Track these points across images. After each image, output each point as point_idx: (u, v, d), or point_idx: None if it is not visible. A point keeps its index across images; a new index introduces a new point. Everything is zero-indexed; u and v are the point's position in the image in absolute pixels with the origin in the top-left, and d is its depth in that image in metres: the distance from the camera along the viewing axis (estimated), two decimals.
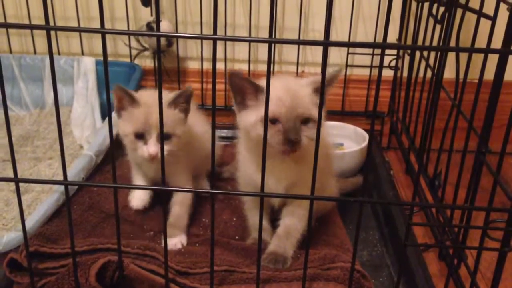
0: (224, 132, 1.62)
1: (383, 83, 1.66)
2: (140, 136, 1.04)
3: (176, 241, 1.07)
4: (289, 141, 0.88)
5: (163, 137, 0.78)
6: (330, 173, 1.12)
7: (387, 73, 1.60)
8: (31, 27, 0.65)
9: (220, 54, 1.64)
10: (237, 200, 1.24)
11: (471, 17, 1.05)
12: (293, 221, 1.02)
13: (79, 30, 0.75)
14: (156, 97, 0.95)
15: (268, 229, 1.07)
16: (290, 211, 1.03)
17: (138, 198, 1.17)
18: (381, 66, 0.72)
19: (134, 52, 1.68)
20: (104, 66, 0.72)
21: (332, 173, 1.15)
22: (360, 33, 1.64)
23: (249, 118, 0.92)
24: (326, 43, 0.68)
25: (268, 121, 0.89)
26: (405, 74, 1.55)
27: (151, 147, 1.02)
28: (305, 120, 0.91)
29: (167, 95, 1.07)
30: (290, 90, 0.91)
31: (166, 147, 1.02)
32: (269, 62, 0.70)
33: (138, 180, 1.20)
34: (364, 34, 1.65)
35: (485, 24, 0.97)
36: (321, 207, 1.15)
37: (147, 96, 1.07)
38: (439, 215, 1.16)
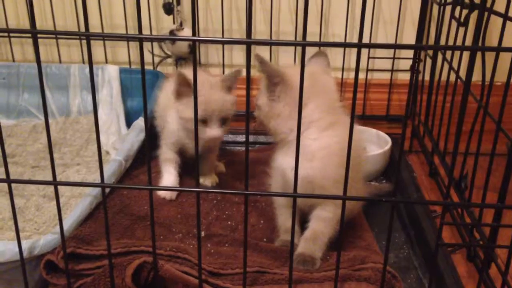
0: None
1: (403, 86, 1.68)
2: (202, 121, 1.17)
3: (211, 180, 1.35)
4: None
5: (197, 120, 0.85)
6: (359, 176, 1.13)
7: (408, 77, 1.61)
8: (73, 33, 0.68)
9: (239, 60, 1.67)
10: (264, 203, 1.25)
11: (495, 20, 1.06)
12: (320, 225, 1.03)
13: (117, 36, 0.78)
14: (211, 80, 1.18)
15: (298, 231, 1.08)
16: (317, 216, 1.04)
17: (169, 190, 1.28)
18: (413, 70, 0.73)
19: (156, 59, 1.71)
20: (142, 73, 0.75)
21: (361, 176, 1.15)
22: (381, 36, 1.66)
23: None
24: (359, 45, 0.69)
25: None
26: (426, 77, 1.56)
27: (214, 131, 1.17)
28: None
29: (214, 78, 1.21)
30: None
31: (223, 130, 1.20)
32: (302, 64, 0.72)
33: (168, 166, 1.31)
34: (385, 38, 1.66)
35: (509, 26, 0.98)
36: (348, 211, 1.15)
37: (204, 82, 1.16)
38: (466, 217, 1.16)
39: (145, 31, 1.68)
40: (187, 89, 1.16)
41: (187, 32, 1.60)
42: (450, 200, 1.19)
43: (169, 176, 1.30)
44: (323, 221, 1.03)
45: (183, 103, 1.19)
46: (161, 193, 1.26)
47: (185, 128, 1.24)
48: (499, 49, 0.85)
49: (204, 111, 1.15)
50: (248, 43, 0.71)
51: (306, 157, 0.98)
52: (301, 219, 1.07)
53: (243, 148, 1.56)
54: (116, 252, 0.93)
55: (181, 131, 1.27)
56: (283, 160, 1.02)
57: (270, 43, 0.67)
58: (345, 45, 0.76)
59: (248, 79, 0.73)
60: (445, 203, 0.76)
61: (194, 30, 0.72)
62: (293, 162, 0.75)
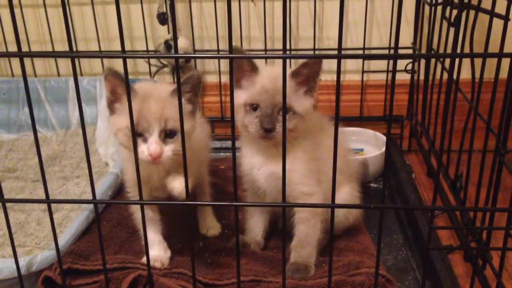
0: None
1: (400, 87, 1.67)
2: (138, 133, 0.87)
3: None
4: (264, 129, 0.94)
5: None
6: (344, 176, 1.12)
7: (404, 77, 1.61)
8: (57, 55, 0.69)
9: None
10: None
11: (484, 18, 1.06)
12: (302, 228, 1.03)
13: (102, 56, 0.79)
14: (156, 88, 0.92)
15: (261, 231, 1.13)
16: (296, 219, 1.03)
17: (159, 259, 1.02)
18: (394, 73, 0.74)
19: (153, 69, 1.72)
20: (126, 87, 0.75)
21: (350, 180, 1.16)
22: (375, 38, 1.65)
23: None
24: (340, 56, 0.70)
25: (249, 106, 0.95)
26: (421, 77, 1.56)
27: (152, 146, 0.85)
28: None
29: (172, 86, 0.92)
30: (275, 79, 0.94)
31: (169, 147, 0.88)
32: (284, 76, 0.72)
33: (149, 231, 0.99)
34: (379, 39, 1.66)
35: (498, 23, 0.98)
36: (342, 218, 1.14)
37: (146, 87, 0.92)
38: (462, 217, 1.16)
39: (140, 42, 1.70)
40: (122, 91, 0.88)
41: (182, 41, 1.61)
42: (443, 202, 1.19)
43: (154, 246, 1.03)
44: (304, 222, 1.02)
45: (117, 112, 0.91)
46: (152, 263, 0.97)
47: (122, 145, 0.93)
48: (485, 55, 0.85)
49: (139, 118, 0.86)
50: (231, 57, 0.72)
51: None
52: (272, 220, 1.08)
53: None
54: (112, 268, 0.94)
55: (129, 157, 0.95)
56: (251, 160, 1.03)
57: (250, 57, 0.68)
58: (323, 57, 0.76)
59: (232, 89, 0.74)
60: (433, 208, 0.76)
61: (176, 47, 0.73)
62: (260, 163, 0.76)
